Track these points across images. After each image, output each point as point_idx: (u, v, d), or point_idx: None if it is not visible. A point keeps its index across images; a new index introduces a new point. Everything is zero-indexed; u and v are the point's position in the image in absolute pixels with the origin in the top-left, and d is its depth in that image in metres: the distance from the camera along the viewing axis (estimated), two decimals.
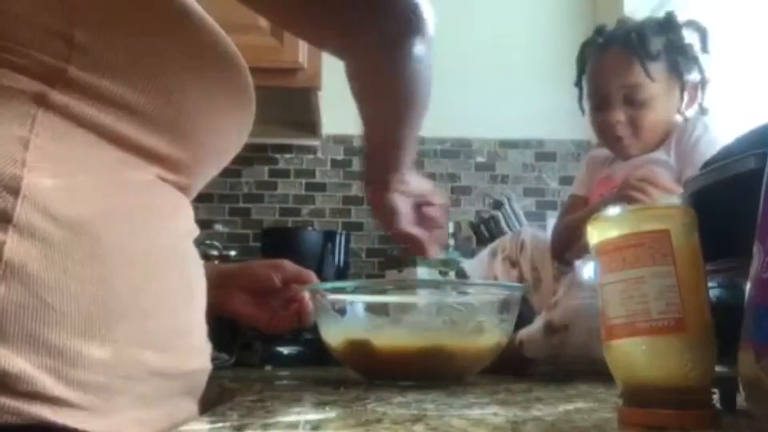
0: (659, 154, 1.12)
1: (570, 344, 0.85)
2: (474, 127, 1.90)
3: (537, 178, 1.90)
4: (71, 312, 0.43)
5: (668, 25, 1.14)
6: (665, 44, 1.13)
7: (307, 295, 0.88)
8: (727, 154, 0.51)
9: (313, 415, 0.50)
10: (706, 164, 0.54)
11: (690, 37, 1.14)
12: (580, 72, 1.24)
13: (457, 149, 1.90)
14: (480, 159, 1.91)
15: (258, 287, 0.88)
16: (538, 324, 0.89)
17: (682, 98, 1.14)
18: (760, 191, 0.39)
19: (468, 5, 1.91)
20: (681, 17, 1.16)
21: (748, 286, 0.39)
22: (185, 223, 0.58)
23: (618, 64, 1.13)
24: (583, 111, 1.27)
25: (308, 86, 1.53)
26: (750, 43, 1.33)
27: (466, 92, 1.90)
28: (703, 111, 1.16)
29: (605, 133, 1.16)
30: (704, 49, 1.14)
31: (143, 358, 0.48)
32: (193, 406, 0.57)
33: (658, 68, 1.11)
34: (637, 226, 0.45)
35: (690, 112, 1.16)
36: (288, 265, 0.92)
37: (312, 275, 0.93)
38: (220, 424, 0.44)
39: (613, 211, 0.47)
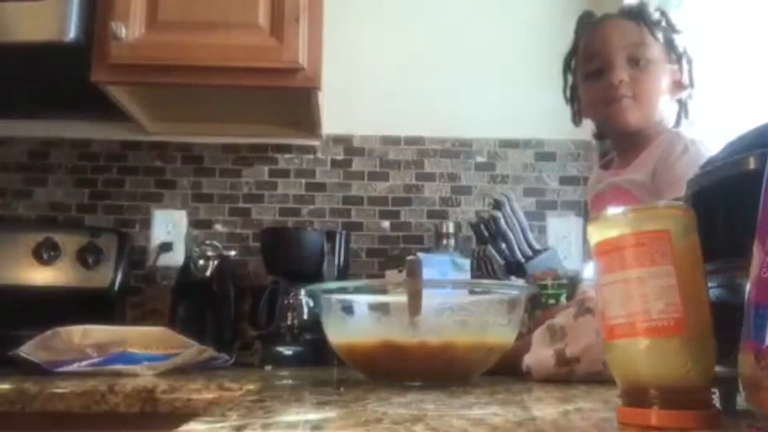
0: (637, 173, 1.09)
1: (581, 373, 0.84)
2: (474, 127, 1.90)
3: (537, 178, 1.90)
4: None
5: (662, 12, 1.17)
6: (662, 22, 1.15)
7: None
8: (727, 154, 0.51)
9: (313, 415, 0.50)
10: (706, 164, 0.54)
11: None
12: (574, 50, 1.23)
13: (457, 149, 1.90)
14: (480, 159, 1.91)
15: None
16: (545, 352, 0.87)
17: (675, 78, 1.13)
18: (760, 191, 0.39)
19: (467, 5, 1.91)
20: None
21: (748, 286, 0.39)
22: None
23: (621, 26, 1.15)
24: (567, 101, 1.26)
25: (308, 86, 1.53)
26: (745, 44, 1.33)
27: (466, 92, 1.90)
28: (685, 111, 1.16)
29: (606, 96, 1.13)
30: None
31: None
32: None
33: (657, 34, 1.13)
34: (637, 226, 0.45)
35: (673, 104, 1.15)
36: None
37: None
38: (220, 424, 0.44)
39: (613, 211, 0.47)
